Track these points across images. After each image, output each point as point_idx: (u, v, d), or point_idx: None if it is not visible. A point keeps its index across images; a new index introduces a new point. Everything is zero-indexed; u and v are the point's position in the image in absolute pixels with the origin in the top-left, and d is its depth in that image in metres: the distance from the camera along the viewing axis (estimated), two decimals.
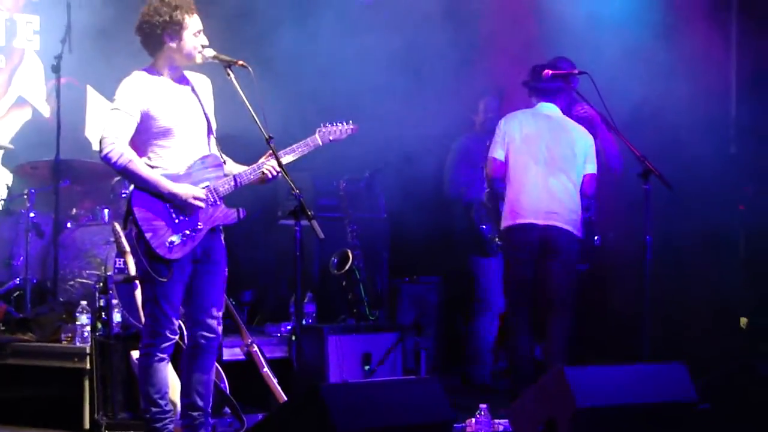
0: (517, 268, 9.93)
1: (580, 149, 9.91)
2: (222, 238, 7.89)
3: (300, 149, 7.99)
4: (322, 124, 8.20)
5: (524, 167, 9.87)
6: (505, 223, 9.94)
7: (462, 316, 11.92)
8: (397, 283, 12.19)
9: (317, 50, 12.22)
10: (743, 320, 11.87)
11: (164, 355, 7.69)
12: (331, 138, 8.19)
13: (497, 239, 10.83)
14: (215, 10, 9.95)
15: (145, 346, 7.70)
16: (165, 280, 7.53)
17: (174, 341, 7.71)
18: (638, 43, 11.51)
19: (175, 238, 7.54)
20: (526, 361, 9.91)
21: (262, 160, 7.88)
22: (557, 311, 9.95)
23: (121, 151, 7.46)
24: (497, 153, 9.92)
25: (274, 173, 7.80)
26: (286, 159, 7.83)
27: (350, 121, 8.30)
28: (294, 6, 12.43)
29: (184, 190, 7.57)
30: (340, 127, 8.24)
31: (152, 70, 7.78)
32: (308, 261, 11.33)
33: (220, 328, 7.90)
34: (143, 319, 8.18)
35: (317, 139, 8.13)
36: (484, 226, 11.16)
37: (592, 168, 9.98)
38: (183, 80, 7.87)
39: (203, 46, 7.78)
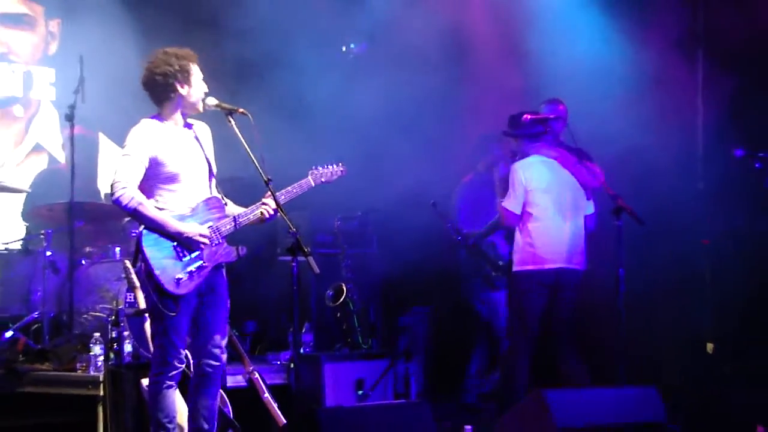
0: (537, 304, 9.89)
1: (582, 191, 9.94)
2: (224, 273, 7.92)
3: (294, 190, 8.04)
4: (313, 167, 8.25)
5: (546, 214, 9.80)
6: (526, 266, 9.83)
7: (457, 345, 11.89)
8: (388, 313, 12.18)
9: (313, 96, 12.26)
10: (710, 345, 11.88)
11: (172, 383, 7.71)
12: (323, 180, 8.25)
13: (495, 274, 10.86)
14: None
15: (155, 374, 7.71)
16: (173, 314, 7.55)
17: (181, 369, 7.72)
18: (613, 87, 11.54)
19: (182, 275, 7.56)
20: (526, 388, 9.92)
21: (260, 202, 7.90)
22: (569, 339, 9.98)
23: (131, 195, 7.50)
24: (513, 206, 9.83)
25: (271, 213, 7.82)
26: (282, 200, 7.85)
27: (340, 164, 8.34)
28: (288, 54, 12.46)
29: (190, 228, 7.62)
30: (330, 169, 8.28)
31: (159, 117, 7.83)
32: (305, 294, 11.37)
33: (224, 357, 7.91)
34: (152, 350, 8.21)
35: (310, 181, 8.19)
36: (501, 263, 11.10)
37: (592, 208, 10.01)
38: (187, 126, 7.92)
39: (205, 94, 7.83)
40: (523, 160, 9.91)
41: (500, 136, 10.76)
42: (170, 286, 7.53)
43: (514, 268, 9.85)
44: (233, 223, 7.84)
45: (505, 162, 10.28)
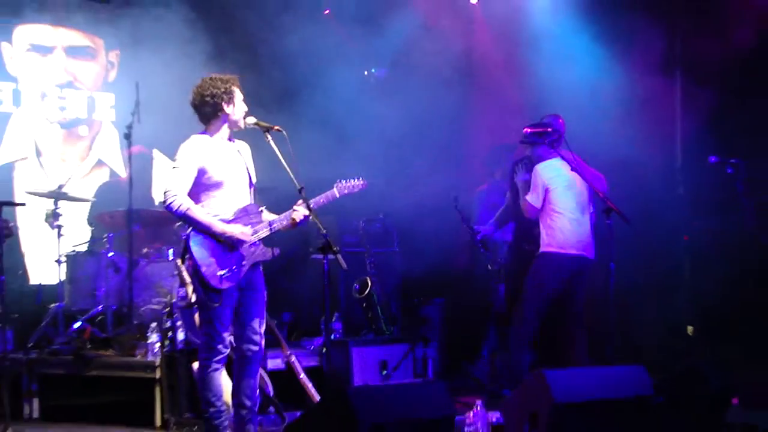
0: (554, 287, 9.91)
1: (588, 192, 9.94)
2: (261, 270, 7.96)
3: (321, 200, 8.02)
4: (338, 180, 8.22)
5: (568, 209, 9.83)
6: (551, 248, 9.86)
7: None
8: (407, 303, 12.18)
9: (340, 114, 12.27)
10: (690, 329, 11.85)
11: (219, 366, 7.74)
12: (346, 191, 8.21)
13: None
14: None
15: (203, 359, 7.76)
16: (217, 305, 7.60)
17: (226, 354, 7.75)
18: (602, 103, 11.53)
19: (225, 272, 7.61)
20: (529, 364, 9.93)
21: (291, 209, 7.92)
22: (581, 322, 9.97)
23: (181, 201, 7.57)
24: (534, 200, 9.86)
25: (301, 218, 7.83)
26: (310, 203, 7.85)
27: (361, 178, 8.30)
28: (317, 78, 12.49)
29: (233, 229, 7.66)
30: (353, 183, 8.24)
31: (207, 133, 7.88)
32: (335, 287, 11.37)
33: (263, 342, 7.95)
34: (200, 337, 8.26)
35: (335, 192, 8.16)
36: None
37: (591, 207, 10.03)
38: (230, 141, 7.95)
39: (245, 113, 7.86)
40: (544, 163, 9.91)
41: (512, 146, 10.75)
42: (214, 282, 7.59)
43: (543, 249, 9.87)
44: (268, 227, 7.85)
45: (525, 167, 10.22)
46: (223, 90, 7.80)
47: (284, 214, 7.92)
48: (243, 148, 8.06)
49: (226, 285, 7.63)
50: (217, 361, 7.73)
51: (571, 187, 9.88)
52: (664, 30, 12.09)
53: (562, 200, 9.85)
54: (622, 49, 11.84)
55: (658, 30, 11.98)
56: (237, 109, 7.86)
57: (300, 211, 7.84)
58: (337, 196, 8.18)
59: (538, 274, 9.92)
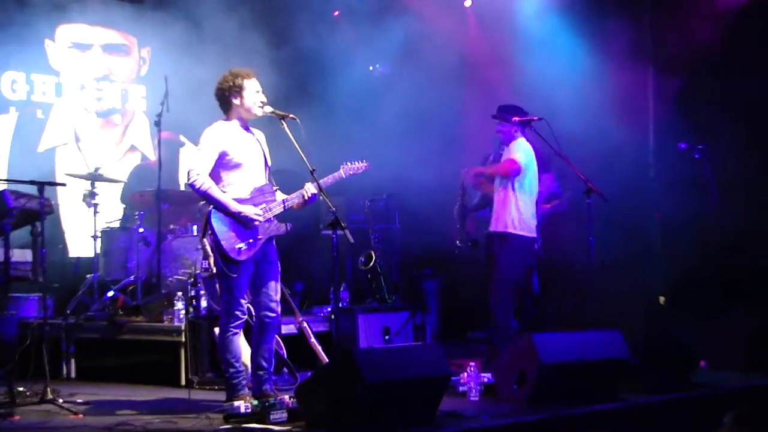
0: (525, 263, 9.88)
1: None
2: (274, 244, 7.87)
3: (329, 180, 7.93)
4: (344, 162, 8.13)
5: (531, 191, 9.67)
6: (518, 231, 9.66)
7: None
8: (408, 275, 12.10)
9: (348, 105, 12.20)
10: (661, 298, 11.79)
11: (237, 330, 7.67)
12: (351, 173, 8.12)
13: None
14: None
15: (223, 324, 7.69)
16: (235, 275, 7.53)
17: (244, 320, 7.68)
18: (581, 94, 11.46)
19: (242, 245, 7.53)
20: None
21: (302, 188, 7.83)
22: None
23: (203, 181, 7.51)
24: (519, 159, 9.61)
25: (310, 196, 7.76)
26: (318, 183, 7.76)
27: (364, 160, 8.20)
28: (328, 72, 12.41)
29: (247, 209, 7.58)
30: (357, 165, 8.16)
31: (227, 120, 7.82)
32: (343, 260, 11.27)
33: (279, 309, 7.86)
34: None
35: (341, 173, 8.06)
36: None
37: None
38: (248, 130, 7.87)
39: (263, 102, 7.77)
40: (519, 141, 9.69)
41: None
42: (232, 254, 7.51)
43: (510, 231, 9.64)
44: (282, 205, 7.76)
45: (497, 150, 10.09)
46: (231, 84, 7.75)
47: (296, 192, 7.83)
48: (259, 135, 7.98)
49: (243, 257, 7.54)
50: (236, 327, 7.64)
51: (534, 172, 9.72)
52: (635, 21, 12.03)
53: (526, 181, 9.66)
54: (598, 42, 11.80)
55: (629, 22, 11.93)
56: (247, 100, 7.76)
57: (309, 190, 7.76)
58: (343, 176, 8.08)
59: (509, 256, 9.75)
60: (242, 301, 7.63)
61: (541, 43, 12.02)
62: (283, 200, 7.81)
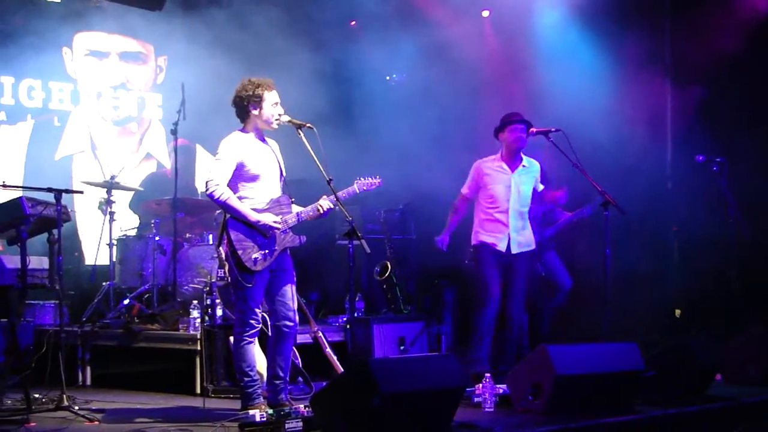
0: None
1: None
2: (289, 254, 7.91)
3: (344, 195, 7.95)
4: (358, 178, 8.16)
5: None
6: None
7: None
8: (423, 285, 12.13)
9: (365, 116, 12.24)
10: (677, 311, 11.80)
11: (252, 340, 7.74)
12: (364, 188, 8.15)
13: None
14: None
15: (238, 333, 7.76)
16: (250, 285, 7.60)
17: (258, 329, 7.75)
18: (598, 105, 11.45)
19: (258, 255, 7.61)
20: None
21: (317, 202, 7.89)
22: None
23: (222, 191, 7.58)
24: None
25: (325, 210, 7.82)
26: (334, 201, 7.81)
27: (377, 176, 8.22)
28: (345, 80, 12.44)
29: (266, 218, 7.64)
30: (371, 181, 8.18)
31: (244, 131, 7.87)
32: (358, 270, 11.30)
33: (296, 318, 7.91)
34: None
35: (355, 188, 8.10)
36: None
37: None
38: (264, 140, 7.93)
39: (280, 115, 7.81)
40: None
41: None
42: (249, 264, 7.59)
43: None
44: (296, 218, 7.82)
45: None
46: (251, 93, 7.78)
47: (311, 206, 7.88)
48: (273, 144, 8.04)
49: (259, 267, 7.61)
50: (250, 336, 7.71)
51: None
52: (654, 32, 12.04)
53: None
54: (616, 53, 11.77)
55: (648, 32, 11.94)
56: (265, 111, 7.79)
57: (324, 204, 7.83)
58: (357, 192, 8.12)
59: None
60: (257, 310, 7.69)
61: (559, 53, 11.99)
62: (297, 213, 7.85)
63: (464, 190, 9.88)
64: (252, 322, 7.68)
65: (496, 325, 9.72)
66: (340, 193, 7.90)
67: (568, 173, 9.90)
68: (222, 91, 8.53)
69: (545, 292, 11.12)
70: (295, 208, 7.93)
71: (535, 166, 9.85)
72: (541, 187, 9.95)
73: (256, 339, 7.83)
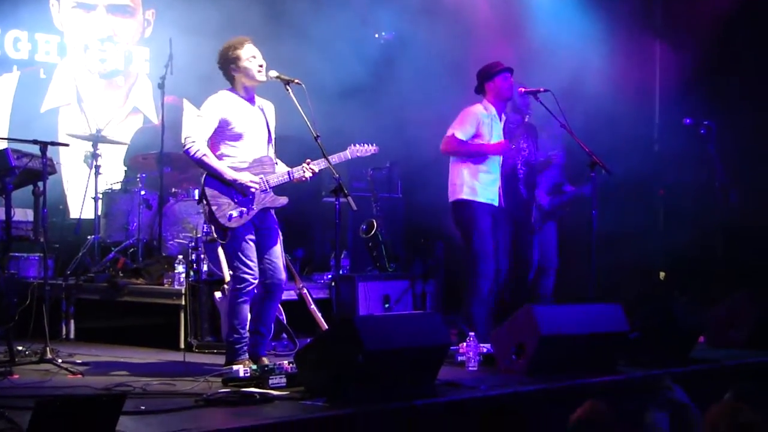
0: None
1: None
2: (273, 214, 7.92)
3: (335, 159, 7.91)
4: (353, 144, 8.14)
5: None
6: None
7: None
8: (409, 244, 12.15)
9: (352, 74, 12.18)
10: (662, 274, 11.84)
11: (246, 297, 7.72)
12: (358, 154, 8.14)
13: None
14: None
15: (233, 289, 7.76)
16: (223, 241, 7.67)
17: (254, 284, 7.71)
18: (589, 70, 11.42)
19: (235, 212, 7.60)
20: None
21: (303, 165, 7.86)
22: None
23: (198, 147, 7.59)
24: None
25: (309, 175, 7.81)
26: (323, 165, 7.78)
27: (374, 144, 8.23)
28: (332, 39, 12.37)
29: (243, 177, 7.64)
30: (366, 147, 8.18)
31: (232, 90, 7.87)
32: (344, 228, 11.27)
33: (283, 276, 7.93)
34: (223, 270, 8.32)
35: (347, 153, 8.07)
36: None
37: None
38: (254, 100, 7.91)
39: (261, 66, 7.78)
40: None
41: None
42: (222, 220, 7.60)
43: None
44: (279, 178, 7.79)
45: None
46: (228, 55, 7.79)
47: (297, 168, 7.85)
48: (267, 106, 8.01)
49: (234, 224, 7.60)
50: (246, 293, 7.69)
51: None
52: None
53: None
54: (605, 12, 11.70)
55: None
56: (244, 66, 7.76)
57: (311, 168, 7.80)
58: (350, 157, 8.10)
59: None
60: (250, 264, 7.65)
61: (550, 15, 11.91)
62: (281, 174, 7.83)
63: (459, 135, 9.27)
64: (245, 276, 7.64)
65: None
66: (332, 157, 7.87)
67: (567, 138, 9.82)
68: (209, 46, 8.49)
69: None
70: (281, 168, 7.92)
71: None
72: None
73: (251, 297, 7.79)
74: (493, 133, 9.32)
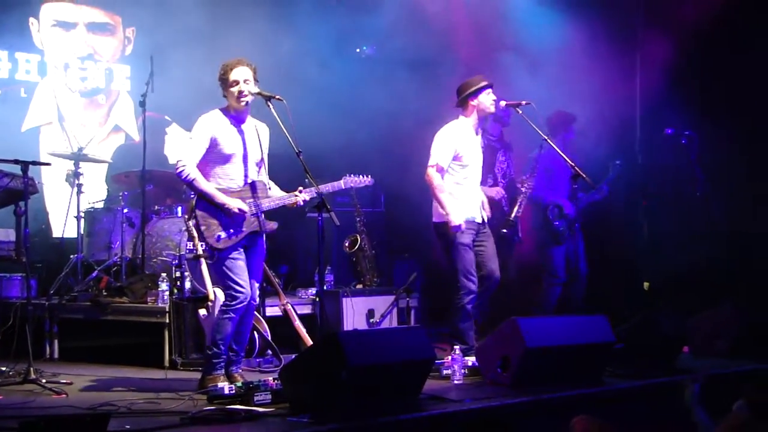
0: None
1: None
2: (263, 239, 7.97)
3: (328, 188, 8.02)
4: (347, 174, 8.27)
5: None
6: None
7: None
8: (392, 258, 12.16)
9: (334, 88, 12.18)
10: (646, 284, 11.87)
11: (234, 315, 7.73)
12: (351, 185, 8.29)
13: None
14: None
15: (224, 305, 7.80)
16: (211, 261, 7.79)
17: (244, 302, 7.72)
18: (570, 77, 11.45)
19: (223, 234, 7.63)
20: None
21: (294, 193, 7.91)
22: None
23: (189, 171, 7.63)
24: None
25: (300, 203, 7.90)
26: (314, 192, 7.79)
27: (369, 176, 8.37)
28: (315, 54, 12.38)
29: (233, 202, 7.65)
30: (360, 178, 8.33)
31: (225, 111, 7.86)
32: (328, 243, 11.25)
33: (257, 294, 8.00)
34: (207, 287, 8.40)
35: (341, 183, 8.20)
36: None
37: None
38: (248, 121, 7.91)
39: (240, 93, 7.75)
40: None
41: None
42: (211, 240, 7.65)
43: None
44: (271, 204, 7.85)
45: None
46: (221, 76, 7.80)
47: (289, 195, 7.90)
48: (262, 129, 8.02)
49: (221, 245, 7.64)
50: (236, 310, 7.71)
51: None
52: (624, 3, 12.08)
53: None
54: (586, 24, 11.68)
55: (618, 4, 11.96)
56: (230, 93, 7.77)
57: (302, 197, 7.85)
58: (343, 187, 8.23)
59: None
60: (241, 282, 7.69)
61: (530, 19, 11.91)
62: (273, 199, 7.88)
63: (441, 162, 9.11)
64: (236, 294, 7.68)
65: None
66: (325, 186, 7.95)
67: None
68: (190, 63, 8.50)
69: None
70: (275, 193, 7.96)
71: None
72: None
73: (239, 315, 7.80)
74: (472, 149, 9.28)
